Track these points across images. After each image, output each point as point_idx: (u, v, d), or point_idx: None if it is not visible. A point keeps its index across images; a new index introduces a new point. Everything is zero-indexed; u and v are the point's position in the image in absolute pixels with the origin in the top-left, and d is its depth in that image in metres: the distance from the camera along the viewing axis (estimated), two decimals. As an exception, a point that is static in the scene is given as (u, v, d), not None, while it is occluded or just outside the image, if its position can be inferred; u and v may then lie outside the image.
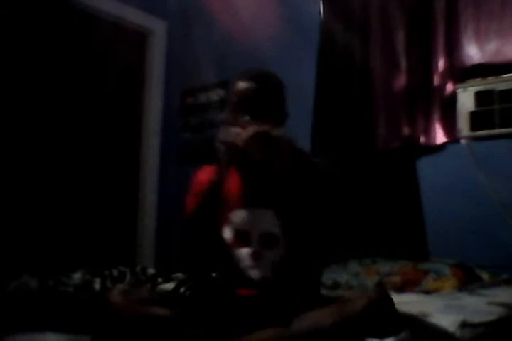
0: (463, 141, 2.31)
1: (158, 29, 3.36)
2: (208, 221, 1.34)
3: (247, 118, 1.31)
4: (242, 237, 1.36)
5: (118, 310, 1.19)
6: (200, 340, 1.16)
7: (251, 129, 1.25)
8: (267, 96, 1.37)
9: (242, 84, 1.38)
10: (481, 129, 2.24)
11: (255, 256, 1.34)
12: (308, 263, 1.43)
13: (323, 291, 1.58)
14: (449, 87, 2.36)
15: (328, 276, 2.15)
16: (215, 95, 3.25)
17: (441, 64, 2.38)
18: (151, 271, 2.02)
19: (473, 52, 2.31)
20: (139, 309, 1.19)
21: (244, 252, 1.35)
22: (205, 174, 1.45)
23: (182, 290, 1.57)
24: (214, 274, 1.55)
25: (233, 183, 1.39)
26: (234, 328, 1.17)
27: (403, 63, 2.48)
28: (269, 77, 1.45)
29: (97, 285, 1.58)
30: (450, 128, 2.35)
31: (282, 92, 1.46)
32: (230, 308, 1.26)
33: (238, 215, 1.37)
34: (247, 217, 1.36)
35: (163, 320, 1.17)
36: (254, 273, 1.34)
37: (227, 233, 1.38)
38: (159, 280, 1.83)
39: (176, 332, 1.16)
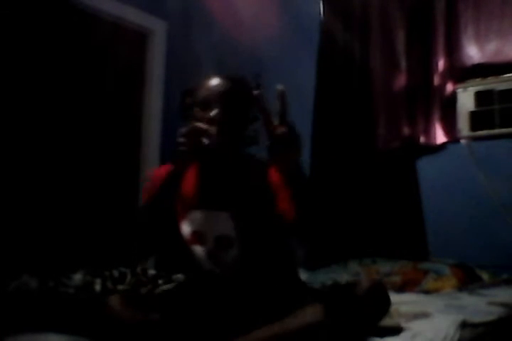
0: (463, 141, 2.31)
1: (158, 29, 3.36)
2: (161, 214, 1.31)
3: (215, 112, 1.30)
4: (197, 237, 1.37)
5: (116, 315, 1.20)
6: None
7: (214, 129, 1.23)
8: (236, 96, 1.37)
9: (214, 80, 1.39)
10: (481, 129, 2.24)
11: (210, 255, 1.36)
12: (267, 261, 1.42)
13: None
14: (449, 87, 2.36)
15: (328, 276, 2.16)
16: (215, 95, 3.25)
17: (441, 64, 2.39)
18: (151, 271, 2.02)
19: (473, 52, 2.31)
20: (135, 314, 1.20)
21: (200, 250, 1.37)
22: (162, 170, 1.43)
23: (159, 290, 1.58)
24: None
25: (190, 183, 1.39)
26: (227, 326, 1.18)
27: (403, 63, 2.48)
28: (241, 79, 1.46)
29: (97, 286, 1.58)
30: (450, 128, 2.35)
31: (249, 98, 1.43)
32: (217, 308, 1.27)
33: (194, 216, 1.38)
34: (203, 218, 1.37)
35: (155, 325, 1.18)
36: (212, 270, 1.36)
37: (185, 230, 1.39)
38: (160, 281, 1.83)
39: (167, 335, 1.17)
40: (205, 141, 1.19)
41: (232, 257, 1.34)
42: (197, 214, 1.37)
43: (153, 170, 1.52)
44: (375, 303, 1.20)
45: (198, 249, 1.37)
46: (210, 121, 1.27)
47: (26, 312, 1.31)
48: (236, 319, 1.21)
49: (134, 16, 3.19)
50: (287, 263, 1.46)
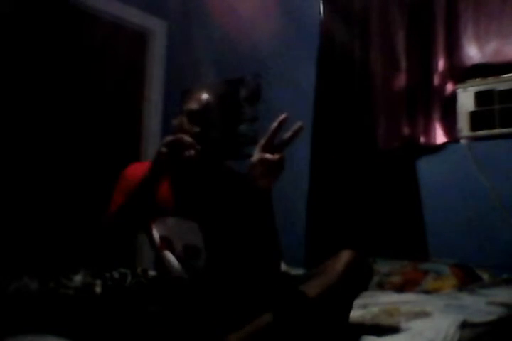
0: (463, 141, 2.31)
1: (158, 29, 3.36)
2: (131, 222, 1.29)
3: (198, 129, 1.29)
4: (166, 243, 1.38)
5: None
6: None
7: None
8: (222, 110, 1.36)
9: (203, 94, 1.36)
10: (481, 129, 2.24)
11: (180, 262, 1.37)
12: (234, 272, 1.40)
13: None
14: (449, 87, 2.36)
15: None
16: (215, 95, 3.25)
17: (441, 64, 2.38)
18: (151, 273, 2.02)
19: (473, 52, 2.31)
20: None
21: (169, 256, 1.38)
22: (135, 171, 1.42)
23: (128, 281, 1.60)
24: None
25: (163, 189, 1.35)
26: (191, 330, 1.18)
27: (403, 63, 2.48)
28: (227, 91, 1.46)
29: (97, 288, 1.58)
30: (450, 128, 2.35)
31: (236, 113, 1.48)
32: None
33: (165, 222, 1.38)
34: (173, 226, 1.37)
35: (153, 317, 1.18)
36: (181, 276, 1.36)
37: (155, 235, 1.40)
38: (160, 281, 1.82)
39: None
40: (187, 153, 1.18)
41: (200, 266, 1.35)
42: (168, 221, 1.38)
43: (127, 168, 1.50)
44: (354, 279, 1.20)
45: (167, 255, 1.38)
46: (194, 136, 1.25)
47: (26, 314, 1.31)
48: (201, 325, 1.21)
49: (134, 16, 3.20)
50: (263, 266, 1.43)
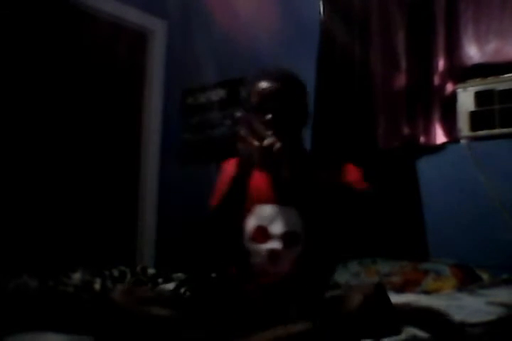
0: (463, 141, 2.31)
1: (158, 29, 3.36)
2: (230, 215, 1.32)
3: (269, 116, 1.30)
4: (261, 233, 1.36)
5: (120, 308, 1.19)
6: None
7: (276, 144, 1.20)
8: (289, 97, 1.37)
9: (264, 84, 1.37)
10: (481, 129, 2.24)
11: (272, 254, 1.34)
12: (326, 262, 1.44)
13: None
14: (449, 87, 2.36)
15: (328, 276, 2.15)
16: (215, 95, 3.25)
17: (441, 64, 2.38)
18: (151, 270, 2.02)
19: (473, 52, 2.31)
20: (140, 308, 1.19)
21: (261, 249, 1.35)
22: (229, 167, 1.46)
23: (182, 290, 1.57)
24: (214, 274, 1.55)
25: (259, 178, 1.39)
26: (235, 329, 1.17)
27: (403, 63, 2.48)
28: (292, 77, 1.46)
29: (97, 285, 1.59)
30: (450, 128, 2.35)
31: (305, 93, 1.47)
32: (233, 307, 1.26)
33: (262, 210, 1.37)
34: (272, 213, 1.36)
35: (163, 320, 1.17)
36: (270, 270, 1.34)
37: (249, 225, 1.38)
38: (160, 280, 1.83)
39: (175, 333, 1.16)
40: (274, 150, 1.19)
41: (296, 255, 1.34)
42: (266, 209, 1.37)
43: (225, 161, 1.54)
44: (367, 320, 1.15)
45: (260, 248, 1.36)
46: (266, 124, 1.26)
47: (26, 312, 1.31)
48: (245, 321, 1.20)
49: (134, 16, 3.20)
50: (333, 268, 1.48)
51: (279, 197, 1.38)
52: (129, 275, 1.76)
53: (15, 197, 2.56)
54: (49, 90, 2.79)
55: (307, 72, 2.77)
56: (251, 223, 1.39)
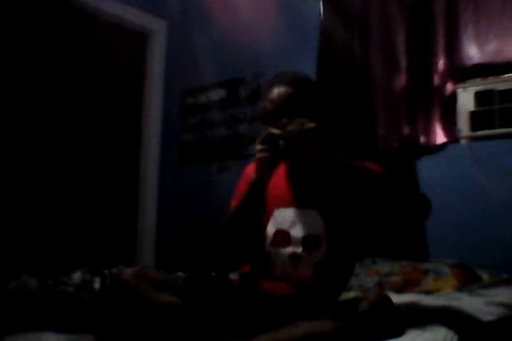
0: (463, 141, 2.30)
1: (158, 29, 3.36)
2: (248, 219, 1.31)
3: (284, 121, 1.27)
4: (282, 237, 1.34)
5: (129, 290, 1.17)
6: (208, 333, 1.15)
7: (298, 123, 1.21)
8: (303, 100, 1.36)
9: (278, 90, 1.36)
10: (481, 129, 2.24)
11: (293, 258, 1.32)
12: (348, 264, 1.43)
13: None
14: (449, 87, 2.36)
15: (328, 276, 2.15)
16: (215, 95, 3.25)
17: (441, 64, 2.38)
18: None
19: (473, 52, 2.31)
20: (149, 292, 1.17)
21: (282, 253, 1.33)
22: (250, 170, 1.45)
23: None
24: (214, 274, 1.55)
25: (279, 181, 1.38)
26: (245, 327, 1.16)
27: (403, 63, 2.48)
28: (304, 81, 1.44)
29: (97, 285, 1.58)
30: (450, 128, 2.35)
31: (319, 95, 1.46)
32: (249, 307, 1.25)
33: (282, 214, 1.35)
34: (292, 216, 1.34)
35: (171, 308, 1.16)
36: (291, 274, 1.32)
37: (269, 230, 1.37)
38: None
39: (183, 322, 1.14)
40: (282, 143, 1.21)
41: (319, 258, 1.32)
42: (285, 212, 1.36)
43: (248, 166, 1.52)
44: (372, 326, 1.15)
45: (280, 252, 1.34)
46: (282, 127, 1.25)
47: (26, 312, 1.31)
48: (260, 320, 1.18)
49: (134, 16, 3.20)
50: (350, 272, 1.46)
51: (300, 199, 1.36)
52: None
53: (15, 198, 2.56)
54: (49, 90, 2.79)
55: (307, 72, 2.77)
56: (271, 227, 1.37)
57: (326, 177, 1.31)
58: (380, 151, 2.51)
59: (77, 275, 1.59)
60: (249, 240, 1.37)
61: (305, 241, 1.32)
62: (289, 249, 1.33)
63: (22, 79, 2.67)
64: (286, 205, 1.36)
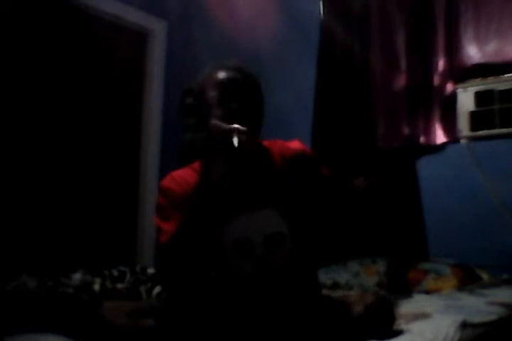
0: (463, 141, 2.30)
1: (158, 29, 3.36)
2: (192, 241, 1.18)
3: (234, 105, 1.22)
4: (243, 245, 1.26)
5: (108, 324, 1.18)
6: None
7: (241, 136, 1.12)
8: (251, 86, 1.30)
9: (223, 74, 1.30)
10: (481, 129, 2.24)
11: (259, 262, 1.26)
12: (311, 261, 1.39)
13: (324, 291, 1.58)
14: (449, 87, 2.36)
15: (328, 276, 2.15)
16: (215, 95, 3.25)
17: (441, 64, 2.38)
18: (150, 270, 2.02)
19: (473, 52, 2.31)
20: (127, 321, 1.17)
21: (247, 261, 1.26)
22: (170, 184, 1.33)
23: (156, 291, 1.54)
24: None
25: (222, 185, 1.23)
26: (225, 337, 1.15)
27: (403, 63, 2.48)
28: (247, 68, 1.38)
29: (96, 286, 1.58)
30: (450, 128, 2.35)
31: (260, 87, 1.38)
32: (225, 314, 1.22)
33: (238, 222, 1.25)
34: (248, 223, 1.25)
35: (149, 331, 1.15)
36: (259, 275, 1.26)
37: (227, 240, 1.26)
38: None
39: None
40: (241, 138, 1.11)
41: (285, 254, 1.25)
42: (242, 219, 1.25)
43: (166, 182, 1.37)
44: (369, 328, 1.15)
45: (241, 261, 1.26)
46: (231, 114, 1.19)
47: (25, 313, 1.31)
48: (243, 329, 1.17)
49: (134, 16, 3.19)
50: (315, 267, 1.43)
51: (252, 201, 1.26)
52: (128, 275, 1.76)
53: (15, 198, 2.56)
54: (49, 90, 2.78)
55: (307, 72, 2.78)
56: (230, 237, 1.26)
57: (274, 174, 1.26)
58: (380, 151, 2.51)
59: (77, 276, 1.59)
60: (198, 260, 1.26)
61: (267, 241, 1.25)
62: (254, 255, 1.25)
63: (21, 79, 2.67)
64: (239, 212, 1.25)
